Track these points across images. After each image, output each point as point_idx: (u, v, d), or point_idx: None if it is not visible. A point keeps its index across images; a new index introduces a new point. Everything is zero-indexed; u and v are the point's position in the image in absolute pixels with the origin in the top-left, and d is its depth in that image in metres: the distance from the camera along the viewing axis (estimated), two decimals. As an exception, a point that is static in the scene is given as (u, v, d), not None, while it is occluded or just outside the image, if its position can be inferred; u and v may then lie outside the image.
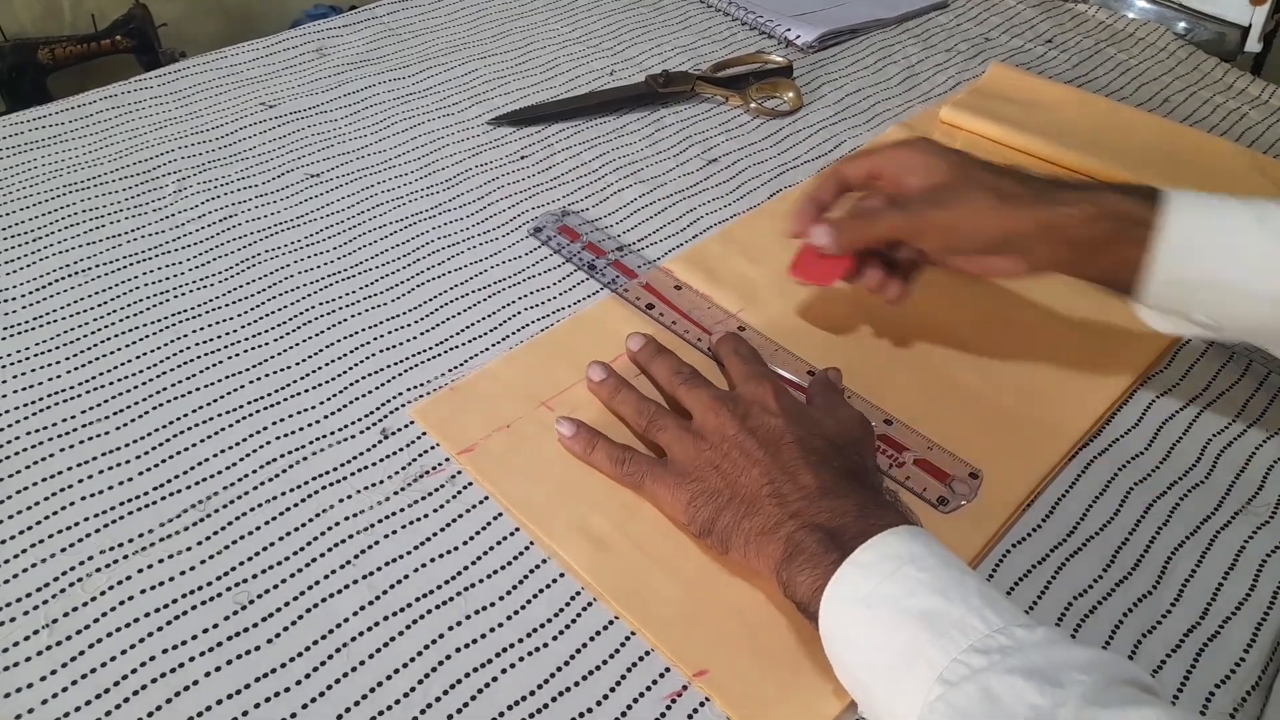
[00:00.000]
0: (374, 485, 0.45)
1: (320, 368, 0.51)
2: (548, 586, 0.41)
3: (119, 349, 0.50)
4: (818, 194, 0.50)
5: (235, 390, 0.49)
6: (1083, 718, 0.30)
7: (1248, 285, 0.43)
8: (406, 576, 0.41)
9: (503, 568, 0.42)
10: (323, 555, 0.42)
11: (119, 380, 0.49)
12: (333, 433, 0.47)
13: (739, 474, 0.41)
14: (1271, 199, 0.44)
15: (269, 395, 0.49)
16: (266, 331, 0.52)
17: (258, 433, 0.47)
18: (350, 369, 0.51)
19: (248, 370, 0.50)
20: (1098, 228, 0.44)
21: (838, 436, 0.43)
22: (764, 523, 0.39)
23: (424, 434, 0.47)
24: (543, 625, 0.40)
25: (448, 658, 0.38)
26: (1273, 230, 0.42)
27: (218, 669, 0.37)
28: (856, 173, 0.50)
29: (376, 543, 0.42)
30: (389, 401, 0.49)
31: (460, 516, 0.44)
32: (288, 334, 0.52)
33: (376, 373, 0.50)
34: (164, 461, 0.45)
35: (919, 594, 0.34)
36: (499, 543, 0.43)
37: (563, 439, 0.46)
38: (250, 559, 0.41)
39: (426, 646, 0.39)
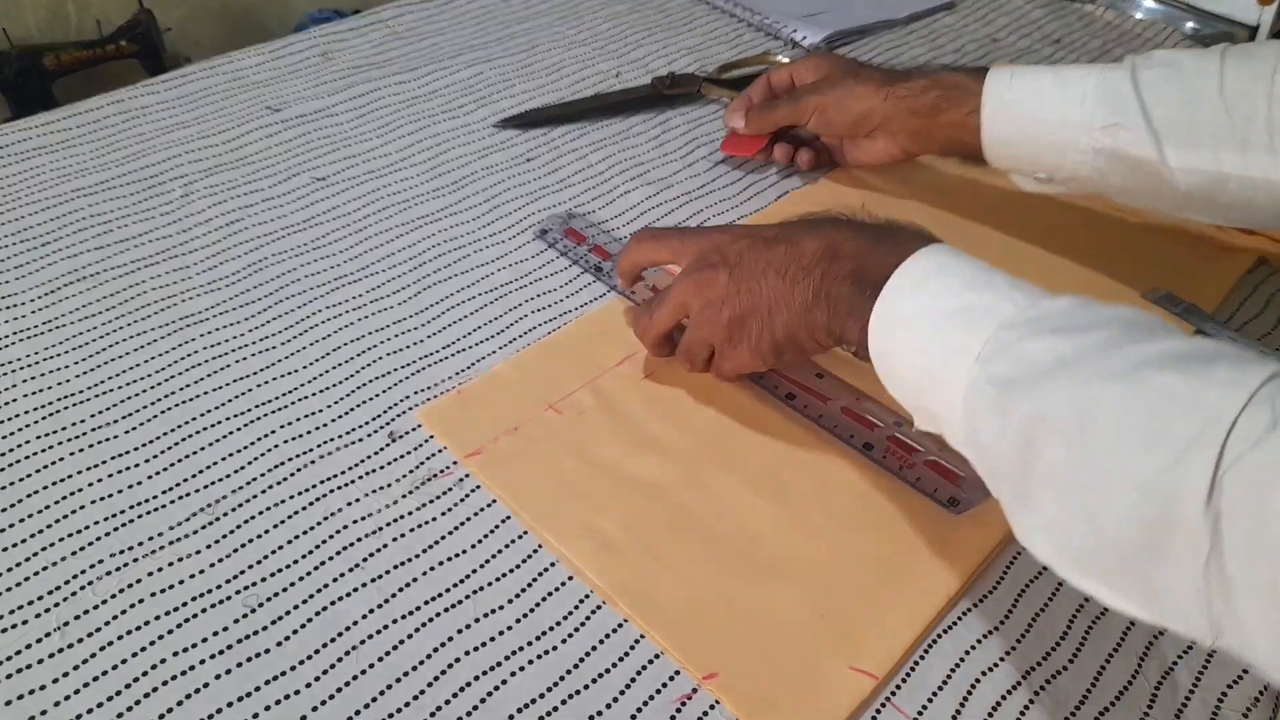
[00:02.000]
0: (382, 488, 0.45)
1: (328, 371, 0.51)
2: (557, 589, 0.41)
3: (128, 353, 0.51)
4: (749, 94, 0.66)
5: (243, 394, 0.49)
6: (1105, 358, 0.31)
7: (1060, 138, 0.50)
8: (415, 579, 0.41)
9: (511, 571, 0.42)
10: (331, 559, 0.42)
11: (128, 384, 0.49)
12: (340, 436, 0.47)
13: (749, 287, 0.43)
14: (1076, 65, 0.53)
15: (277, 399, 0.49)
16: (274, 335, 0.52)
17: (266, 436, 0.47)
18: (358, 372, 0.51)
19: (256, 374, 0.50)
20: (932, 95, 0.55)
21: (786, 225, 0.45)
22: (793, 303, 0.42)
23: (431, 437, 0.47)
24: (552, 628, 0.40)
25: (457, 660, 0.38)
26: (1071, 88, 0.50)
27: (228, 671, 0.37)
28: (779, 79, 0.65)
29: (385, 546, 0.42)
30: (396, 405, 0.49)
31: (468, 520, 0.44)
32: (295, 337, 0.52)
33: (384, 376, 0.50)
34: (173, 465, 0.45)
35: (950, 295, 0.36)
36: (507, 546, 0.43)
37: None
38: (259, 562, 0.41)
39: (435, 649, 0.39)
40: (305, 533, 0.43)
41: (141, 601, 0.39)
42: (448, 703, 0.37)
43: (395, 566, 0.42)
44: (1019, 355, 0.33)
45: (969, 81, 0.54)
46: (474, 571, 0.42)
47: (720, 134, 0.71)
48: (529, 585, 0.41)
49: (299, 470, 0.45)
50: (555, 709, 0.37)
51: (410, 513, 0.44)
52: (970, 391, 0.34)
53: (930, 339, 0.36)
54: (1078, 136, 0.50)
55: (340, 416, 0.48)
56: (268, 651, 0.38)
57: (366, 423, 0.48)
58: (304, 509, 0.44)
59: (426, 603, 0.40)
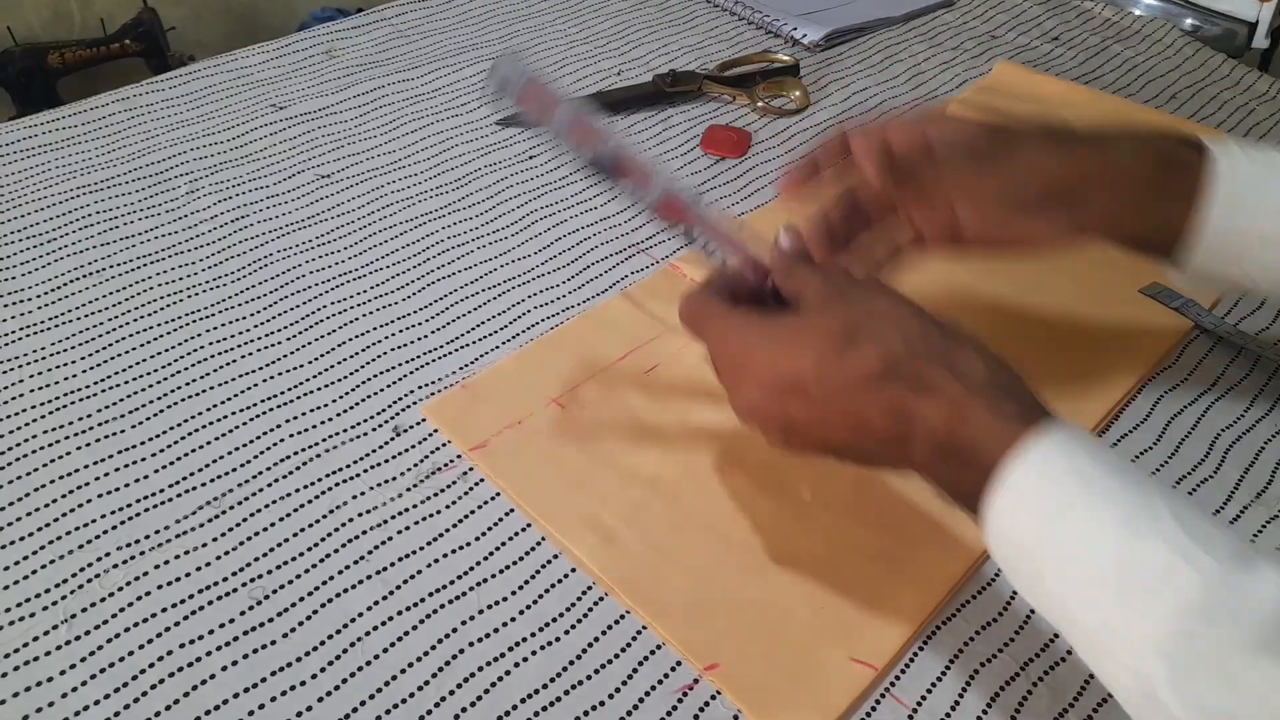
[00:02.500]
0: (386, 482, 0.45)
1: (332, 366, 0.51)
2: (559, 581, 0.42)
3: (133, 349, 0.51)
4: (819, 158, 0.45)
5: (248, 389, 0.49)
6: None
7: None
8: (419, 572, 0.41)
9: (514, 563, 0.42)
10: (336, 551, 0.42)
11: (133, 379, 0.49)
12: (345, 430, 0.47)
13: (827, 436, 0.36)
14: None
15: (282, 393, 0.49)
16: (279, 330, 0.53)
17: (271, 430, 0.47)
18: (362, 367, 0.51)
19: (260, 369, 0.50)
20: (1148, 171, 0.42)
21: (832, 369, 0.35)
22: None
23: (435, 431, 0.48)
24: (554, 620, 0.40)
25: (460, 652, 0.39)
26: None
27: (233, 663, 0.38)
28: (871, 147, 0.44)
29: (389, 539, 0.43)
30: (400, 399, 0.49)
31: (472, 513, 0.44)
32: (300, 333, 0.53)
33: (388, 371, 0.51)
34: (178, 459, 0.45)
35: (1102, 535, 0.29)
36: (511, 538, 0.43)
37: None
38: (264, 555, 0.42)
39: (439, 641, 0.39)
40: (311, 526, 0.43)
41: (148, 594, 0.40)
42: (452, 693, 0.37)
43: (400, 559, 0.42)
44: (1224, 678, 0.26)
45: (1185, 154, 0.42)
46: (478, 564, 0.42)
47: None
48: (532, 577, 0.42)
49: (304, 464, 0.46)
50: (558, 699, 0.38)
51: (415, 506, 0.44)
52: (1152, 703, 0.28)
53: (1084, 592, 0.29)
54: None
55: (345, 411, 0.48)
56: (274, 643, 0.39)
57: (371, 417, 0.48)
58: (309, 503, 0.44)
59: (431, 595, 0.41)
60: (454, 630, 0.39)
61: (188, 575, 0.41)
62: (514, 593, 0.41)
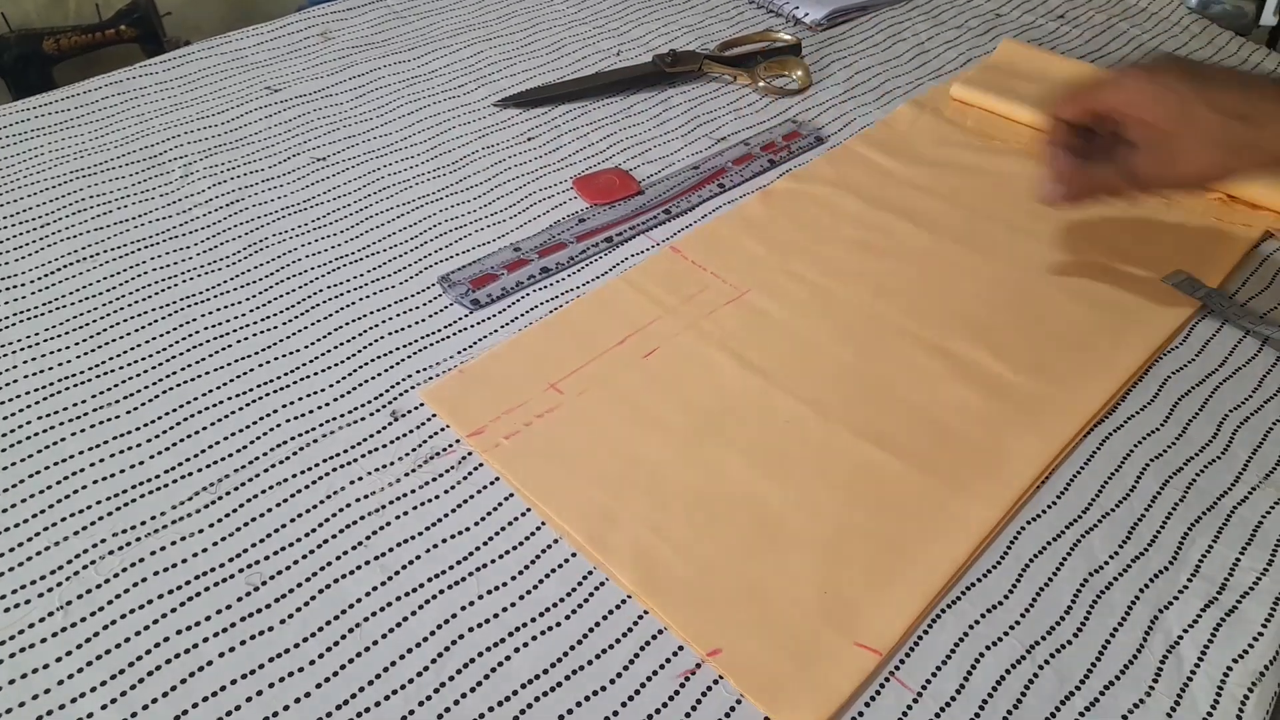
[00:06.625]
0: (385, 467, 0.45)
1: (330, 350, 0.50)
2: (559, 566, 0.41)
3: (128, 333, 0.50)
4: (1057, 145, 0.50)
5: (245, 373, 0.49)
6: None
7: None
8: (418, 557, 0.41)
9: (514, 548, 0.42)
10: (334, 537, 0.42)
11: (129, 364, 0.49)
12: (343, 415, 0.47)
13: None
14: None
15: (279, 378, 0.49)
16: (275, 315, 0.52)
17: (268, 415, 0.47)
18: (359, 351, 0.50)
19: (257, 354, 0.50)
20: None
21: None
22: None
23: (434, 416, 0.47)
24: (555, 605, 0.40)
25: (460, 637, 0.38)
26: None
27: (231, 649, 0.37)
28: (1079, 113, 0.49)
29: (388, 524, 0.42)
30: (398, 384, 0.49)
31: (471, 498, 0.44)
32: (297, 317, 0.52)
33: (386, 355, 0.50)
34: (175, 445, 0.45)
35: None
36: (510, 523, 0.43)
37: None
38: (262, 541, 0.41)
39: (439, 626, 0.39)
40: (308, 511, 0.43)
41: (144, 580, 0.39)
42: (451, 679, 0.37)
43: (398, 544, 0.41)
44: None
45: None
46: (476, 549, 0.42)
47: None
48: (531, 563, 0.41)
49: (301, 449, 0.45)
50: (558, 685, 0.37)
51: (413, 491, 0.44)
52: None
53: None
54: None
55: (342, 396, 0.48)
56: (270, 629, 0.38)
57: (368, 401, 0.48)
58: (306, 488, 0.44)
59: (429, 580, 0.40)
60: (453, 616, 0.39)
61: (184, 561, 0.40)
62: (514, 578, 0.41)
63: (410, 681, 0.37)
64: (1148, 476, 0.46)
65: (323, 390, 0.48)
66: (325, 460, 0.45)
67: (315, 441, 0.46)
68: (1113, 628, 0.40)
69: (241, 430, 0.46)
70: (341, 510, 0.43)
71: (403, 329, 0.52)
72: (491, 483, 0.44)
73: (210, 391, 0.48)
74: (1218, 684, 0.38)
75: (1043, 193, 0.50)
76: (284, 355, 0.50)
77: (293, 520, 0.42)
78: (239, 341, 0.51)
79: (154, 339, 0.50)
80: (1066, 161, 0.50)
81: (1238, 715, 0.37)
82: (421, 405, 0.48)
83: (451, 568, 0.41)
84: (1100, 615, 0.40)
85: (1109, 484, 0.46)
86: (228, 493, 0.43)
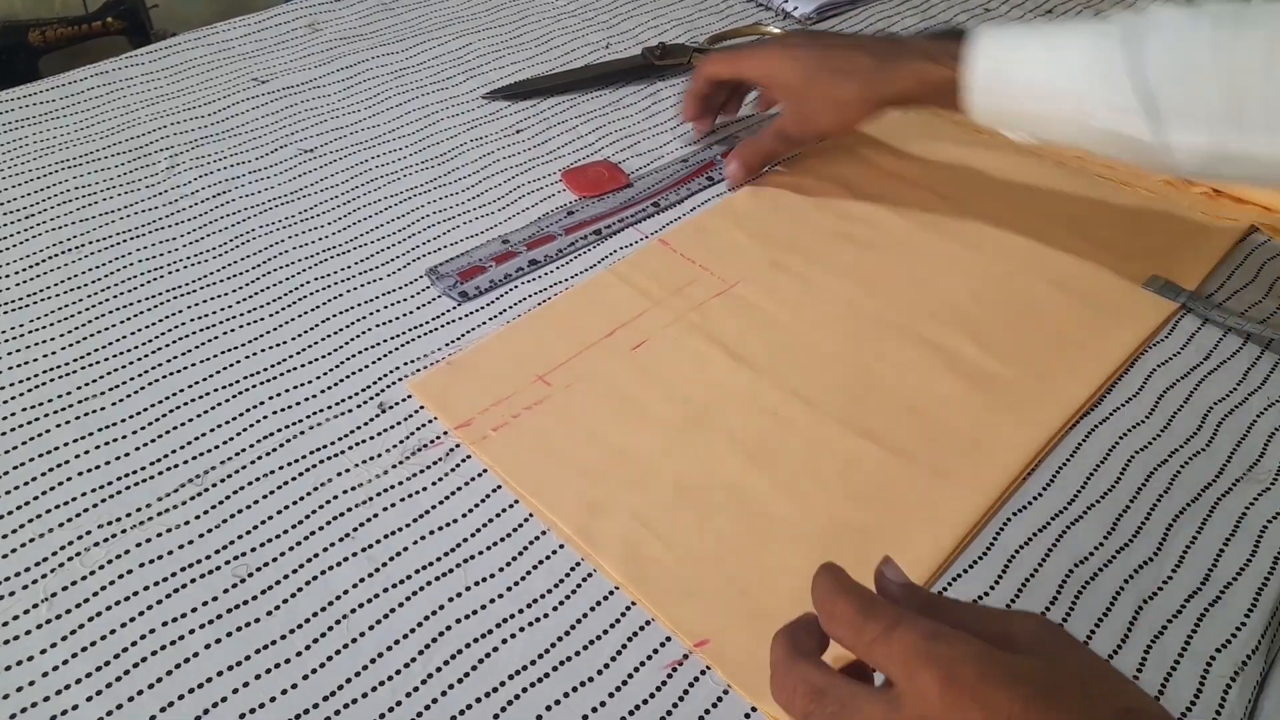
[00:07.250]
0: (372, 459, 0.45)
1: (317, 342, 0.50)
2: (547, 558, 0.41)
3: (113, 325, 0.50)
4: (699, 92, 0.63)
5: (231, 365, 0.49)
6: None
7: (1052, 111, 0.49)
8: (405, 549, 0.41)
9: (502, 540, 0.42)
10: (321, 529, 0.42)
11: (114, 356, 0.48)
12: (330, 407, 0.47)
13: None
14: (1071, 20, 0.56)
15: (265, 370, 0.48)
16: (262, 307, 0.52)
17: (255, 407, 0.47)
18: (347, 343, 0.50)
19: (244, 345, 0.50)
20: (920, 93, 0.53)
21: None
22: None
23: (421, 408, 0.47)
24: (543, 596, 0.40)
25: (447, 629, 0.38)
26: (1063, 62, 0.49)
27: (217, 641, 0.37)
28: (722, 75, 0.62)
29: (375, 516, 0.42)
30: (386, 375, 0.49)
31: (459, 489, 0.44)
32: (283, 309, 0.52)
33: (373, 347, 0.50)
34: (160, 436, 0.45)
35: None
36: (498, 515, 0.43)
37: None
38: (248, 533, 0.41)
39: (426, 618, 0.39)
40: (295, 503, 0.42)
41: (130, 572, 0.39)
42: (438, 670, 0.37)
43: (385, 536, 0.41)
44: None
45: (948, 72, 0.51)
46: (464, 541, 0.42)
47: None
48: (519, 554, 0.41)
49: (288, 441, 0.45)
50: (546, 676, 0.37)
51: (400, 483, 0.44)
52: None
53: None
54: (1073, 114, 0.49)
55: (330, 387, 0.48)
56: (257, 621, 0.38)
57: (356, 393, 0.48)
58: (294, 479, 0.43)
59: (417, 572, 0.40)
60: (440, 607, 0.39)
61: (169, 553, 0.40)
62: (501, 569, 0.41)
63: (398, 673, 0.37)
64: (1133, 469, 0.46)
65: (310, 382, 0.48)
66: (313, 452, 0.45)
67: (303, 433, 0.45)
68: (1097, 618, 0.40)
69: (228, 422, 0.46)
70: (329, 502, 0.43)
71: (390, 321, 0.52)
72: (479, 474, 0.44)
73: (197, 383, 0.47)
74: (1201, 672, 0.39)
75: (727, 176, 0.62)
76: (271, 347, 0.50)
77: (280, 512, 0.42)
78: (226, 333, 0.50)
79: (140, 330, 0.50)
80: (746, 146, 0.61)
81: (1220, 704, 0.38)
82: (409, 397, 0.47)
83: (439, 559, 0.41)
84: (1085, 606, 0.40)
85: (1094, 476, 0.46)
86: (214, 484, 0.43)
